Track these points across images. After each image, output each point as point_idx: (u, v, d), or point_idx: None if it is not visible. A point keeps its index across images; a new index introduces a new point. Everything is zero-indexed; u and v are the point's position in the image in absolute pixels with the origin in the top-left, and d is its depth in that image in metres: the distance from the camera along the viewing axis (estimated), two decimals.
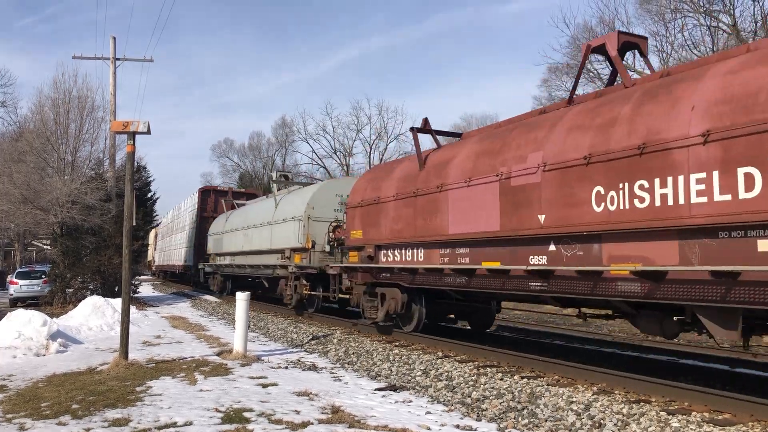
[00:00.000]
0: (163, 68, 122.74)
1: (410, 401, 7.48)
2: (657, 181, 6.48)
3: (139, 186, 29.34)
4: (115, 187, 24.45)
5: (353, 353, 11.20)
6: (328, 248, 16.39)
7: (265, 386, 8.24)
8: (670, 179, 6.34)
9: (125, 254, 10.36)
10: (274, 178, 22.99)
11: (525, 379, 8.34)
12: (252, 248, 21.28)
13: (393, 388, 8.30)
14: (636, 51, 9.10)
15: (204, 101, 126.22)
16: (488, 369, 9.16)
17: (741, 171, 5.72)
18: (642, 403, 6.88)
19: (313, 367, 9.91)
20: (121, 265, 10.87)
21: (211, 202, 32.20)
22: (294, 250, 17.28)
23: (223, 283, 26.57)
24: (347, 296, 14.02)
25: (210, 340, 13.15)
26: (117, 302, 15.84)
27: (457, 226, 9.70)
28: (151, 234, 52.21)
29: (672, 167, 6.34)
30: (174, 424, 6.27)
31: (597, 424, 6.30)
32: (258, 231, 20.82)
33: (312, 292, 16.90)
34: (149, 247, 54.88)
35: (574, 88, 9.13)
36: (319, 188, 17.73)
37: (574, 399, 7.18)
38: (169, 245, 42.49)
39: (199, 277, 30.85)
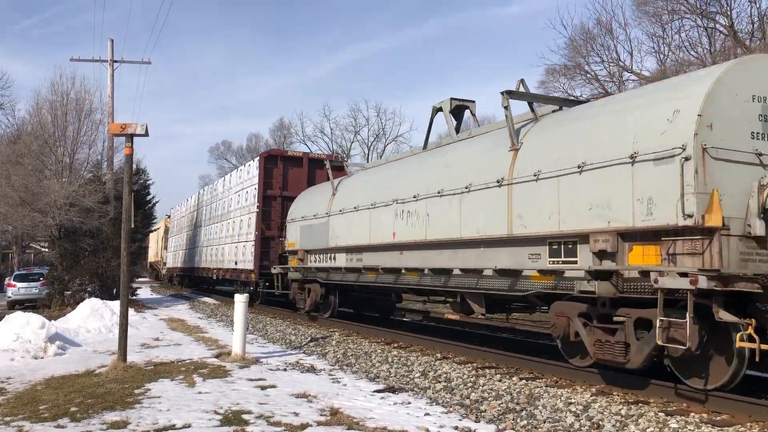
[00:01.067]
0: (161, 71, 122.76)
1: (409, 403, 7.48)
2: None
3: (137, 188, 29.23)
4: (114, 189, 24.43)
5: (352, 355, 11.20)
6: (760, 228, 6.68)
7: (263, 388, 8.23)
8: None
9: (124, 256, 10.36)
10: (448, 109, 12.37)
11: (524, 381, 8.35)
12: (432, 237, 10.89)
13: (392, 389, 8.30)
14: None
15: (202, 103, 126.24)
16: (487, 370, 9.17)
17: None
18: (640, 404, 6.89)
19: (312, 369, 9.90)
20: (120, 267, 10.86)
21: (279, 175, 21.56)
22: (633, 233, 7.21)
23: (324, 298, 16.09)
24: None
25: (208, 342, 13.14)
26: (115, 304, 15.83)
27: None
28: (160, 227, 46.58)
29: None
30: (173, 427, 6.27)
31: (596, 425, 6.30)
32: (456, 202, 10.26)
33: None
34: (152, 247, 51.30)
35: None
36: (719, 81, 6.92)
37: (573, 400, 7.19)
38: (195, 241, 31.20)
39: (271, 287, 19.58)
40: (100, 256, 22.96)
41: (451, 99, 12.33)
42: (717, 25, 29.40)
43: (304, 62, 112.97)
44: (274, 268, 18.64)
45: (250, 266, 20.81)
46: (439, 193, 10.78)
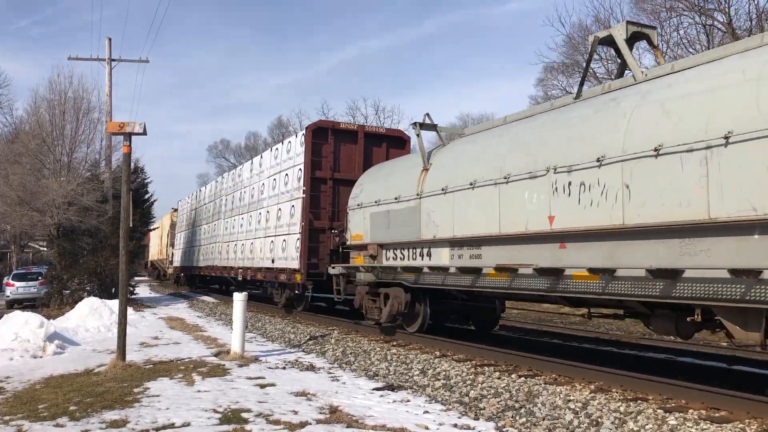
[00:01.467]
0: (160, 69, 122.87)
1: (408, 401, 7.48)
2: None
3: (136, 187, 29.19)
4: (112, 188, 24.42)
5: (351, 353, 11.20)
6: None
7: (263, 386, 8.24)
8: None
9: (122, 255, 10.36)
10: (623, 37, 8.71)
11: (522, 378, 8.36)
12: (637, 220, 7.15)
13: (391, 387, 8.30)
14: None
15: (200, 102, 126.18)
16: (486, 368, 9.18)
17: None
18: (639, 401, 6.90)
19: (311, 367, 9.91)
20: (118, 266, 10.86)
21: (329, 153, 17.24)
22: None
23: (409, 306, 12.19)
24: None
25: (208, 341, 13.14)
26: (114, 303, 15.82)
27: None
28: (163, 223, 44.39)
29: None
30: (172, 425, 6.27)
31: (595, 423, 6.31)
32: (694, 163, 6.52)
33: None
34: (154, 245, 50.30)
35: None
36: None
37: (572, 397, 7.19)
38: (213, 235, 26.88)
39: (318, 290, 17.02)
40: (99, 255, 22.97)
41: (628, 23, 8.93)
42: (715, 23, 29.41)
43: (303, 61, 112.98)
44: (333, 267, 14.54)
45: (295, 265, 16.73)
46: (655, 151, 6.96)
